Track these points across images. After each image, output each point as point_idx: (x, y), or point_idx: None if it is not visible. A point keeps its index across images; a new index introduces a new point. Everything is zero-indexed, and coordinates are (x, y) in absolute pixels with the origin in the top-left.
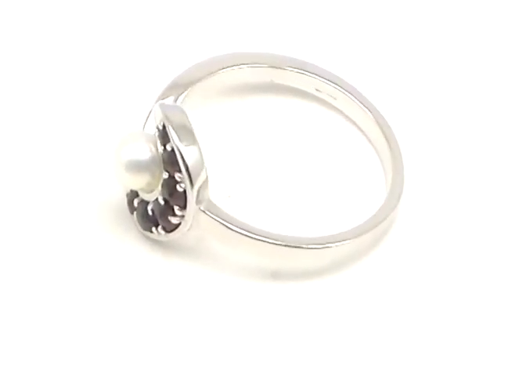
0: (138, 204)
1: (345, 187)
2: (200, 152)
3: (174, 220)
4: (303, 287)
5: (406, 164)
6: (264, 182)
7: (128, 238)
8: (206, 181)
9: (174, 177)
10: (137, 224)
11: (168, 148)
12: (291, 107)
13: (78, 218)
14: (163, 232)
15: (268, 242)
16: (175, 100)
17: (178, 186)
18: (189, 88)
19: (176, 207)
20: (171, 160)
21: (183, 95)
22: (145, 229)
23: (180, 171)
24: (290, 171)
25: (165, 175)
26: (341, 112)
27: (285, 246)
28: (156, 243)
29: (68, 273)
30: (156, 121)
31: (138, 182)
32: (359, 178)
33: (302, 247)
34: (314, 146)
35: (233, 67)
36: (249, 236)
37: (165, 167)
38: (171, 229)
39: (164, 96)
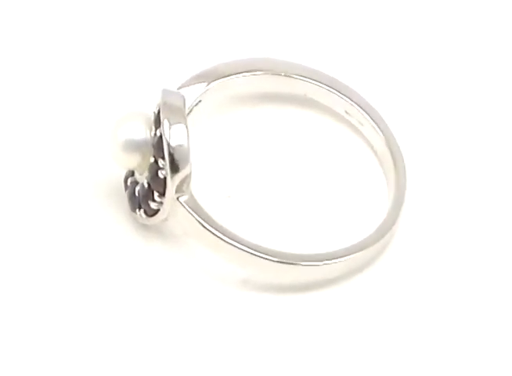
0: (131, 183)
1: (348, 201)
2: (188, 144)
3: (153, 205)
4: (300, 300)
5: (409, 179)
6: (266, 192)
7: (117, 218)
8: (189, 174)
9: (157, 162)
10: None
11: (158, 133)
12: (320, 125)
13: (71, 195)
14: (144, 215)
15: (241, 249)
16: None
17: (159, 172)
18: (216, 82)
19: (156, 193)
20: (158, 146)
21: (207, 87)
22: (131, 210)
23: (164, 157)
24: (293, 182)
25: (152, 159)
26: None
27: (262, 257)
28: (142, 226)
29: (54, 248)
30: (155, 105)
31: (130, 161)
32: (362, 192)
33: (284, 262)
34: (321, 161)
35: (267, 72)
36: (223, 240)
37: (153, 151)
38: (151, 213)
39: (186, 84)
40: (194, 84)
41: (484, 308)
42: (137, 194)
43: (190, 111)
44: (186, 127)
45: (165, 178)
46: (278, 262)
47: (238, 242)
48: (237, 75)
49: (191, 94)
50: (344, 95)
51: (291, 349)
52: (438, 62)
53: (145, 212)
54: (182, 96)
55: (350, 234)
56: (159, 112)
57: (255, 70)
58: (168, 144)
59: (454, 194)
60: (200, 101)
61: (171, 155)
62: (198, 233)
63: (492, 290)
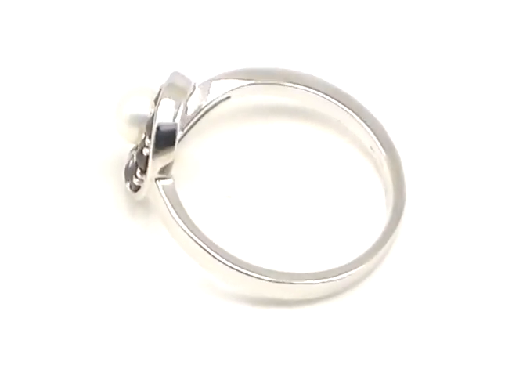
0: (130, 155)
1: (346, 214)
2: (176, 127)
3: (135, 181)
4: (293, 313)
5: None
6: (265, 200)
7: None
8: (171, 161)
9: (145, 140)
10: None
11: (153, 111)
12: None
13: (74, 171)
14: (129, 189)
15: (209, 253)
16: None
17: (144, 150)
18: (252, 83)
19: (138, 170)
20: (149, 123)
21: (241, 86)
22: (125, 180)
23: (150, 136)
24: (292, 193)
25: (143, 136)
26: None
27: (234, 268)
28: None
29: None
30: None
31: (131, 135)
32: (361, 206)
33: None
34: (321, 173)
35: (304, 88)
36: (190, 238)
37: (145, 128)
38: (134, 189)
39: (221, 77)
40: (229, 78)
41: (482, 320)
42: (129, 167)
43: (216, 105)
44: (179, 109)
45: (147, 156)
46: (254, 277)
47: (208, 246)
48: (275, 83)
49: (222, 88)
50: (370, 129)
51: (287, 360)
52: (437, 71)
53: (130, 186)
54: (190, 81)
55: (347, 248)
56: (160, 90)
57: (294, 84)
58: (156, 123)
59: (452, 207)
60: (228, 97)
61: (156, 135)
62: (165, 219)
63: (490, 302)
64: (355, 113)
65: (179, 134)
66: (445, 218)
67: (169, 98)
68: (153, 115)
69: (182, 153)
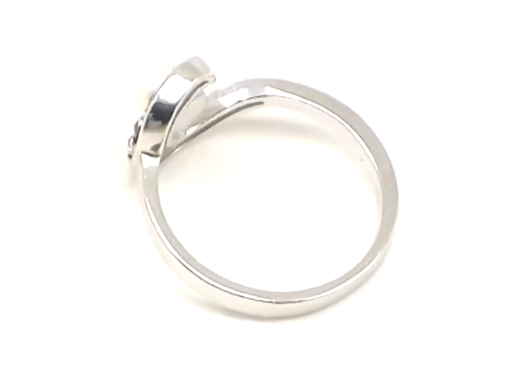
0: None
1: (338, 227)
2: (173, 109)
3: (129, 149)
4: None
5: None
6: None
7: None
8: (163, 139)
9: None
10: None
11: None
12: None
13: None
14: (128, 157)
15: (175, 256)
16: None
17: (139, 120)
18: (286, 95)
19: (132, 139)
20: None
21: (275, 95)
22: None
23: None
24: (285, 204)
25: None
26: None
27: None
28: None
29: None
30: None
31: (141, 105)
32: (353, 219)
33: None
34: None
35: (335, 116)
36: (156, 233)
37: (150, 100)
38: (129, 156)
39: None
40: (266, 85)
41: (473, 330)
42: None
43: (248, 106)
44: (186, 90)
45: (140, 128)
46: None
47: (174, 249)
48: (308, 101)
49: (257, 91)
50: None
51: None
52: (434, 84)
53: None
54: (208, 69)
55: (336, 261)
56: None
57: (328, 109)
58: (155, 99)
59: (444, 223)
60: (261, 102)
61: (152, 110)
62: (140, 201)
63: (485, 310)
64: (372, 150)
65: (196, 127)
66: (436, 232)
67: (179, 77)
68: (157, 90)
69: (182, 152)
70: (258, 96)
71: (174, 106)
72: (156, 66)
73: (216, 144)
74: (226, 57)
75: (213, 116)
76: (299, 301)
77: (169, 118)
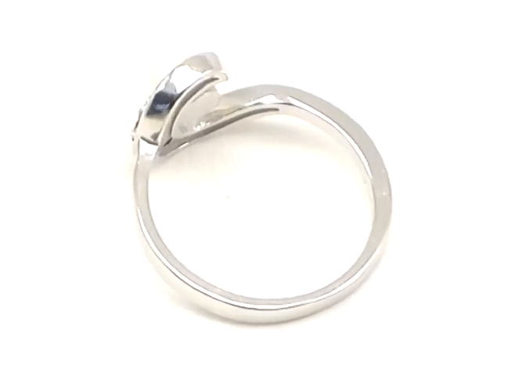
0: None
1: (330, 234)
2: (173, 100)
3: (132, 134)
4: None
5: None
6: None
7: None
8: (161, 130)
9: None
10: None
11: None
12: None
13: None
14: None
15: (156, 256)
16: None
17: (143, 106)
18: (300, 105)
19: (135, 124)
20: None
21: (290, 103)
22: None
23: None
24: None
25: None
26: None
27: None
28: None
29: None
30: None
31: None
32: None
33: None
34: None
35: (348, 137)
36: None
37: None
38: (131, 138)
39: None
40: (284, 93)
41: (472, 334)
42: None
43: (262, 111)
44: (190, 84)
45: (141, 113)
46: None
47: (157, 249)
48: (323, 115)
49: (273, 97)
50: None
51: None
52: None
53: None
54: (220, 66)
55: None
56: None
57: (341, 127)
58: (158, 87)
59: (437, 229)
60: (276, 109)
61: (155, 96)
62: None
63: (479, 318)
64: (374, 173)
65: (207, 124)
66: (428, 240)
67: (188, 68)
68: (163, 78)
69: (189, 149)
70: (274, 103)
71: (177, 95)
72: (171, 56)
73: (221, 144)
74: (248, 60)
75: (226, 115)
76: (263, 310)
77: (170, 107)
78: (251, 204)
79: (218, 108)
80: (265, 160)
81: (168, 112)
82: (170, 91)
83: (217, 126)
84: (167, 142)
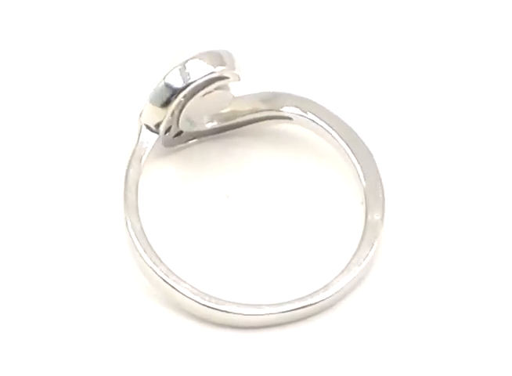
0: None
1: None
2: (175, 93)
3: (140, 120)
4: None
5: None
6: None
7: None
8: (163, 119)
9: None
10: None
11: None
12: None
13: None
14: None
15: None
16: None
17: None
18: (314, 119)
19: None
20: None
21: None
22: None
23: None
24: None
25: None
26: None
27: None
28: None
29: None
30: None
31: None
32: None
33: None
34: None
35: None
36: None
37: None
38: None
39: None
40: (302, 104)
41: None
42: None
43: (276, 118)
44: (196, 79)
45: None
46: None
47: (135, 237)
48: (334, 132)
49: (290, 106)
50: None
51: None
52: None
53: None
54: (234, 66)
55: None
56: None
57: (347, 145)
58: (164, 78)
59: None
60: (289, 118)
61: (159, 85)
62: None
63: (472, 318)
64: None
65: (218, 123)
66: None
67: (198, 61)
68: (172, 68)
69: (193, 147)
70: (290, 112)
71: (183, 87)
72: (192, 47)
73: (233, 145)
74: (265, 66)
75: (240, 117)
76: (226, 312)
77: (174, 97)
78: (249, 205)
79: (232, 109)
80: (269, 165)
81: (172, 102)
82: (177, 81)
83: (230, 126)
84: (177, 135)
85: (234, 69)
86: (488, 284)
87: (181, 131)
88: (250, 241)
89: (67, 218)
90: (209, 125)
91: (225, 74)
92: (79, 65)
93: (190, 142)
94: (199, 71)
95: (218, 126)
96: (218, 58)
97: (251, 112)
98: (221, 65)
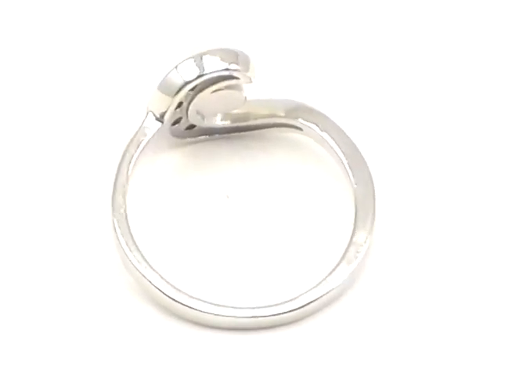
0: None
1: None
2: (183, 85)
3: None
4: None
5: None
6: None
7: None
8: (168, 108)
9: None
10: None
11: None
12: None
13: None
14: None
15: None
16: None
17: None
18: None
19: None
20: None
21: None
22: None
23: None
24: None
25: None
26: None
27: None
28: None
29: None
30: None
31: None
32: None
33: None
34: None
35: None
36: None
37: None
38: None
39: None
40: (314, 116)
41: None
42: None
43: (286, 126)
44: (204, 74)
45: None
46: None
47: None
48: (338, 148)
49: (302, 118)
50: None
51: None
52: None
53: None
54: (248, 67)
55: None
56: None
57: (348, 164)
58: (173, 69)
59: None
60: (299, 128)
61: (169, 74)
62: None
63: (467, 317)
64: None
65: (229, 122)
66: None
67: (210, 57)
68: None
69: (203, 143)
70: (300, 123)
71: (192, 79)
72: (211, 41)
73: (242, 146)
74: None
75: (253, 120)
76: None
77: (181, 88)
78: (248, 207)
79: (247, 110)
80: (274, 170)
81: (179, 92)
82: (188, 71)
83: (242, 128)
84: (189, 128)
85: (247, 71)
86: (480, 291)
87: (193, 126)
88: (247, 241)
89: (60, 203)
90: (221, 123)
91: (237, 74)
92: (91, 58)
93: (201, 137)
94: (211, 66)
95: (230, 125)
96: (234, 57)
97: (266, 117)
98: (235, 64)
